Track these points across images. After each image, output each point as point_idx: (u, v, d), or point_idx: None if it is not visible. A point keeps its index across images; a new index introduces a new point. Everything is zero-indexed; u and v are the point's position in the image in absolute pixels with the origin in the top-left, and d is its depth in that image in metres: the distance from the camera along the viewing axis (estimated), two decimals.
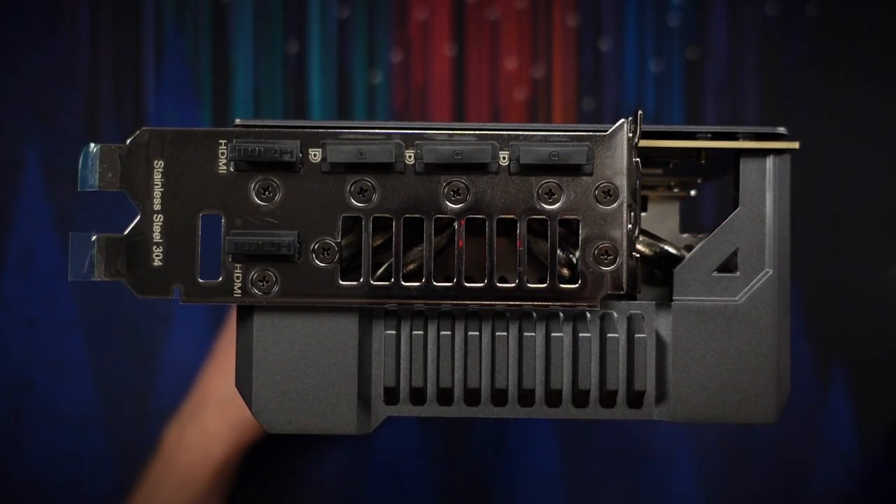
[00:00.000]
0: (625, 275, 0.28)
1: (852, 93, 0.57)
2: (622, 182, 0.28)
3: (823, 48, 0.58)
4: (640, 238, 0.31)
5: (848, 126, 0.57)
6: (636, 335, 0.29)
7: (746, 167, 0.29)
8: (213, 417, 0.50)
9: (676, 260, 0.31)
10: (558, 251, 0.29)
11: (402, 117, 0.57)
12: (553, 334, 0.29)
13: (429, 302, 0.29)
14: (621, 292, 0.28)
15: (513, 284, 0.28)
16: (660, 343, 0.29)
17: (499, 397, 0.29)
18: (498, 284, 0.28)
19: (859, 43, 0.58)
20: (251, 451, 0.52)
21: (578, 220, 0.28)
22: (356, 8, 0.57)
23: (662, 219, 0.38)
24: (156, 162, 0.28)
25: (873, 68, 0.58)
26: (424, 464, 0.57)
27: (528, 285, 0.28)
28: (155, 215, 0.28)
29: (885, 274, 0.57)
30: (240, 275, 0.28)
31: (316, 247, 0.28)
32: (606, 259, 0.28)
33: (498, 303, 0.28)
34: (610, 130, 0.28)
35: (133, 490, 0.51)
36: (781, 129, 0.29)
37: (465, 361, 0.29)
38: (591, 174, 0.28)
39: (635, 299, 0.30)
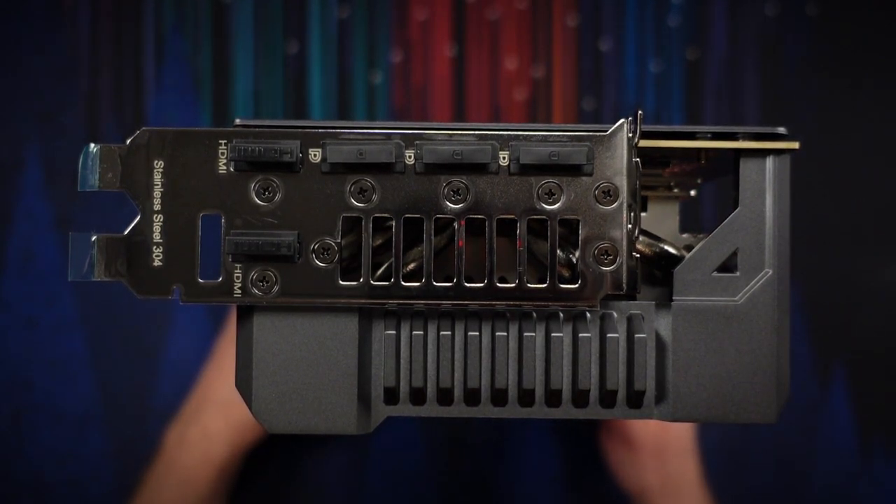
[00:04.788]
0: (625, 275, 0.28)
1: (852, 93, 0.57)
2: (622, 182, 0.28)
3: (823, 48, 0.58)
4: (640, 238, 0.31)
5: (848, 126, 0.57)
6: (636, 335, 0.29)
7: (746, 167, 0.29)
8: (214, 418, 0.50)
9: (676, 260, 0.31)
10: (558, 251, 0.29)
11: (402, 117, 0.57)
12: (553, 334, 0.29)
13: (429, 302, 0.29)
14: (621, 292, 0.28)
15: (513, 284, 0.28)
16: (660, 343, 0.29)
17: (499, 397, 0.29)
18: (498, 284, 0.28)
19: (859, 43, 0.58)
20: (252, 452, 0.52)
21: (578, 220, 0.28)
22: (356, 8, 0.57)
23: (662, 219, 0.38)
24: (156, 162, 0.28)
25: (873, 68, 0.58)
26: (424, 464, 0.57)
27: (528, 285, 0.28)
28: (155, 215, 0.28)
29: (885, 274, 0.57)
30: (240, 275, 0.28)
31: (316, 247, 0.28)
32: (606, 259, 0.28)
33: (498, 303, 0.29)
34: (610, 130, 0.28)
35: (134, 491, 0.51)
36: (781, 129, 0.29)
37: (465, 361, 0.29)
38: (591, 174, 0.28)
39: (635, 299, 0.30)
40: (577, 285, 0.28)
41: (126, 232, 0.28)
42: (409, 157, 0.28)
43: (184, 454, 0.50)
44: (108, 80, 0.57)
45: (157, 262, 0.28)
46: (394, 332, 0.29)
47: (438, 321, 0.29)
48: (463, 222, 0.28)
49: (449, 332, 0.29)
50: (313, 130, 0.28)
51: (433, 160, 0.28)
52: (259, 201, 0.28)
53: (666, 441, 0.50)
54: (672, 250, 0.32)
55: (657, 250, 0.32)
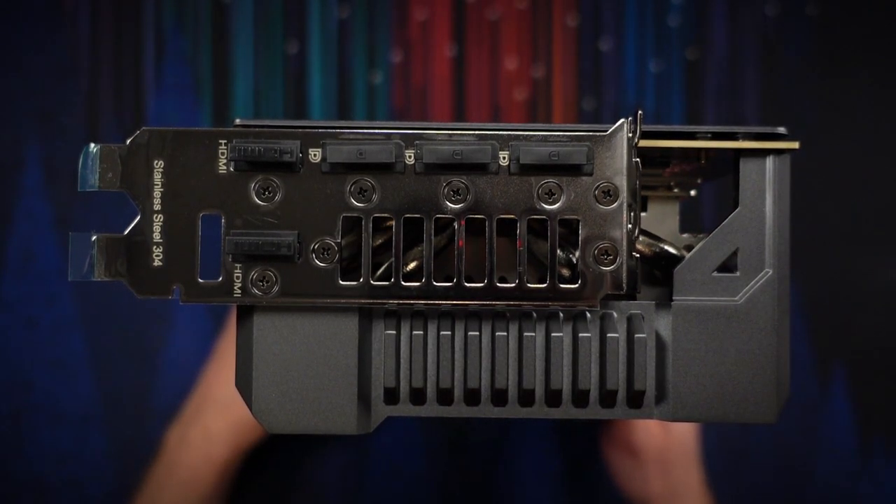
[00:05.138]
0: (625, 275, 0.28)
1: (852, 92, 0.57)
2: (622, 182, 0.28)
3: (823, 48, 0.58)
4: (640, 238, 0.31)
5: (848, 126, 0.57)
6: (636, 335, 0.29)
7: (746, 167, 0.29)
8: (215, 418, 0.50)
9: (676, 260, 0.31)
10: (558, 251, 0.29)
11: (402, 117, 0.57)
12: (553, 334, 0.29)
13: (429, 302, 0.29)
14: (621, 292, 0.28)
15: (513, 284, 0.28)
16: (660, 343, 0.29)
17: (499, 397, 0.29)
18: (498, 284, 0.28)
19: (859, 43, 0.58)
20: (252, 452, 0.52)
21: (578, 220, 0.28)
22: (356, 8, 0.57)
23: (662, 219, 0.38)
24: (156, 162, 0.28)
25: (873, 68, 0.58)
26: (424, 464, 0.57)
27: (528, 285, 0.28)
28: (155, 215, 0.28)
29: (885, 274, 0.57)
30: (240, 275, 0.28)
31: (316, 247, 0.28)
32: (606, 259, 0.28)
33: (498, 303, 0.29)
34: (610, 130, 0.28)
35: (135, 492, 0.51)
36: (781, 129, 0.29)
37: (465, 361, 0.29)
38: (591, 174, 0.28)
39: (635, 299, 0.30)
40: (577, 285, 0.28)
41: (126, 232, 0.28)
42: (409, 157, 0.28)
43: (185, 454, 0.50)
44: (108, 80, 0.57)
45: (157, 262, 0.28)
46: (394, 332, 0.29)
47: (438, 321, 0.29)
48: (463, 222, 0.28)
49: (449, 332, 0.29)
50: (313, 130, 0.28)
51: (433, 160, 0.28)
52: (259, 201, 0.28)
53: (669, 449, 0.50)
54: (672, 250, 0.32)
55: (657, 250, 0.32)
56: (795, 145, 0.29)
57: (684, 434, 0.50)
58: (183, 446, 0.50)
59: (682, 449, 0.50)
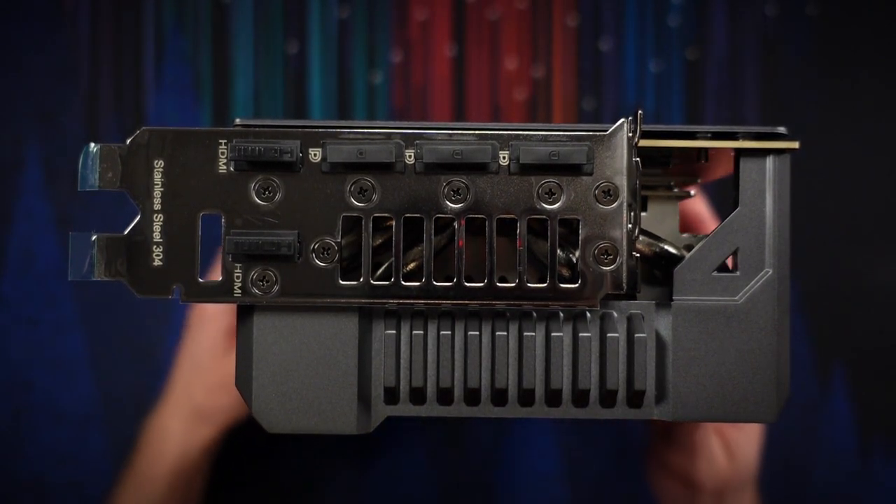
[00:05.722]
0: (625, 275, 0.28)
1: (852, 93, 0.57)
2: (622, 182, 0.28)
3: (823, 48, 0.58)
4: (640, 238, 0.31)
5: (848, 126, 0.57)
6: (636, 335, 0.29)
7: (746, 167, 0.29)
8: (167, 413, 0.49)
9: (676, 260, 0.31)
10: (558, 251, 0.29)
11: (402, 117, 0.57)
12: (553, 334, 0.29)
13: (429, 302, 0.29)
14: (621, 292, 0.28)
15: (513, 284, 0.28)
16: (660, 343, 0.29)
17: (499, 397, 0.29)
18: (498, 284, 0.28)
19: (859, 43, 0.58)
20: (250, 452, 0.52)
21: (578, 220, 0.28)
22: (356, 8, 0.57)
23: (662, 219, 0.38)
24: (156, 162, 0.28)
25: (873, 68, 0.58)
26: (424, 464, 0.57)
27: (528, 285, 0.28)
28: (155, 215, 0.28)
29: (885, 273, 0.57)
30: (240, 275, 0.28)
31: (316, 247, 0.28)
32: (606, 259, 0.28)
33: (498, 303, 0.29)
34: (610, 130, 0.28)
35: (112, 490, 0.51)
36: (781, 129, 0.29)
37: (465, 361, 0.29)
38: (591, 174, 0.28)
39: (635, 299, 0.30)
40: (577, 285, 0.28)
41: (126, 232, 0.28)
42: (409, 156, 0.28)
43: (145, 450, 0.49)
44: (108, 80, 0.57)
45: (157, 262, 0.28)
46: (394, 331, 0.29)
47: (438, 321, 0.29)
48: (463, 222, 0.28)
49: (449, 332, 0.29)
50: (313, 130, 0.28)
51: (433, 160, 0.28)
52: (259, 201, 0.28)
53: (732, 479, 0.45)
54: (672, 250, 0.32)
55: (657, 250, 0.32)
56: (795, 145, 0.29)
57: (748, 458, 0.45)
58: (143, 442, 0.49)
59: (745, 476, 0.46)
